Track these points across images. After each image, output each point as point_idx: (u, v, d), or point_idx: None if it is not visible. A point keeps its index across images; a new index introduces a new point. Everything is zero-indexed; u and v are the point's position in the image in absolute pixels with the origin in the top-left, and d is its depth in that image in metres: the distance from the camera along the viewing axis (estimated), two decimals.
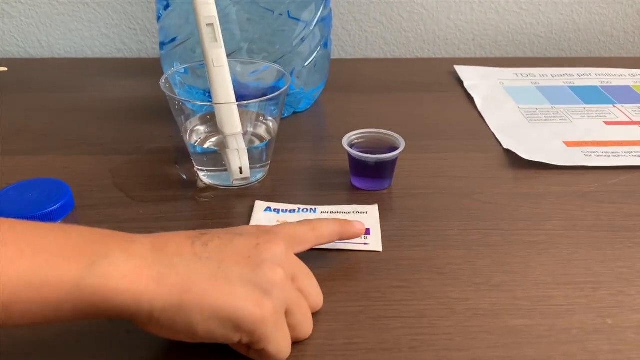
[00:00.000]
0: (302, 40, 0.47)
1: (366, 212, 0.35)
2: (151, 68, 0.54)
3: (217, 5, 0.37)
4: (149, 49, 0.62)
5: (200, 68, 0.41)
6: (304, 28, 0.47)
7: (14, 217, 0.32)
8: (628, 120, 0.47)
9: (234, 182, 0.38)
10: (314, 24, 0.47)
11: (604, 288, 0.30)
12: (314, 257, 0.32)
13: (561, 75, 0.55)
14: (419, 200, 0.37)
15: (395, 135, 0.38)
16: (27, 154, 0.41)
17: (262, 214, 0.35)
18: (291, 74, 0.47)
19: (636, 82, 0.54)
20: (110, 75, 0.55)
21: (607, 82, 0.54)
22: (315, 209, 0.36)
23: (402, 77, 0.56)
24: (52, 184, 0.36)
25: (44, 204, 0.34)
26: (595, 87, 0.53)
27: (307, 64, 0.47)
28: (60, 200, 0.34)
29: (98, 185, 0.37)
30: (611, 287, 0.30)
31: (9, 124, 0.46)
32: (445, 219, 0.35)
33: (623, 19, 0.64)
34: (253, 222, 0.35)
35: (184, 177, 0.39)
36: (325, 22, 0.49)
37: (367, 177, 0.38)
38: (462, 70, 0.56)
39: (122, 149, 0.42)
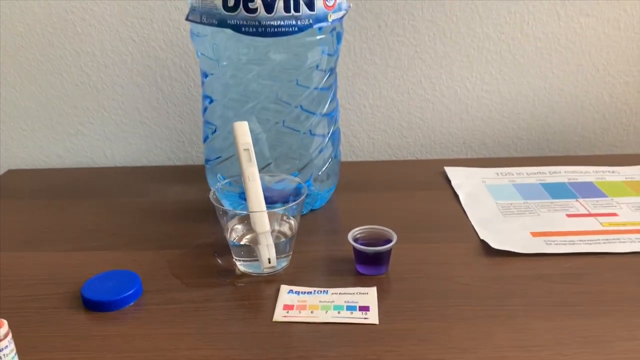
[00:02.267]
0: (320, 151, 0.59)
1: (367, 293, 0.45)
2: (196, 175, 0.67)
3: (251, 132, 0.49)
4: (194, 157, 0.75)
5: (237, 179, 0.53)
6: (320, 142, 0.59)
7: (99, 301, 0.44)
8: (587, 212, 0.57)
9: (264, 270, 0.48)
10: (327, 138, 0.59)
11: (546, 350, 0.38)
12: (323, 330, 0.41)
13: (535, 173, 0.66)
14: (409, 283, 0.47)
15: (390, 230, 0.49)
16: (102, 250, 0.53)
17: (286, 295, 0.46)
18: (309, 180, 0.58)
19: (598, 178, 0.64)
20: (162, 181, 0.68)
21: (574, 179, 0.64)
22: (327, 290, 0.46)
23: (402, 177, 0.68)
24: (125, 274, 0.47)
25: (121, 290, 0.45)
26: (563, 183, 0.64)
27: (321, 172, 0.59)
28: (132, 288, 0.45)
29: (160, 274, 0.48)
30: (552, 349, 0.39)
31: (84, 225, 0.58)
32: (430, 298, 0.45)
33: (591, 122, 0.75)
34: (279, 302, 0.45)
35: (220, 262, 0.50)
36: (335, 135, 0.61)
37: (368, 265, 0.48)
38: (451, 171, 0.67)
39: (176, 244, 0.53)
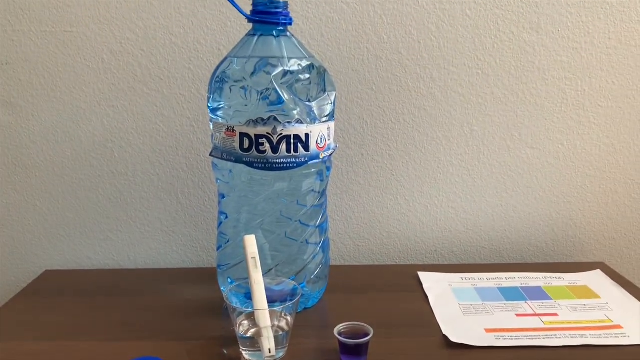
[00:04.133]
0: (313, 257, 0.71)
1: None
2: (207, 277, 0.79)
3: (257, 242, 0.61)
4: (204, 261, 0.87)
5: (244, 282, 0.65)
6: (313, 250, 0.71)
7: None
8: (532, 312, 0.68)
9: (265, 359, 0.59)
10: (319, 246, 0.72)
11: None
12: None
13: (494, 278, 0.78)
14: None
15: (367, 326, 0.60)
16: (131, 340, 0.63)
17: None
18: (303, 282, 0.70)
19: (546, 283, 0.77)
20: (177, 282, 0.79)
21: (525, 284, 0.77)
22: None
23: (382, 279, 0.80)
24: None
25: None
26: (516, 287, 0.76)
27: (313, 276, 0.71)
28: None
29: None
30: None
31: (114, 319, 0.68)
32: None
33: (542, 235, 0.88)
34: None
35: (225, 352, 0.61)
36: (325, 243, 0.74)
37: (349, 355, 0.59)
38: (423, 275, 0.79)
39: (193, 335, 0.64)
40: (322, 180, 0.71)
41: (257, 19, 0.64)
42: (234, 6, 0.64)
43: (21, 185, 0.85)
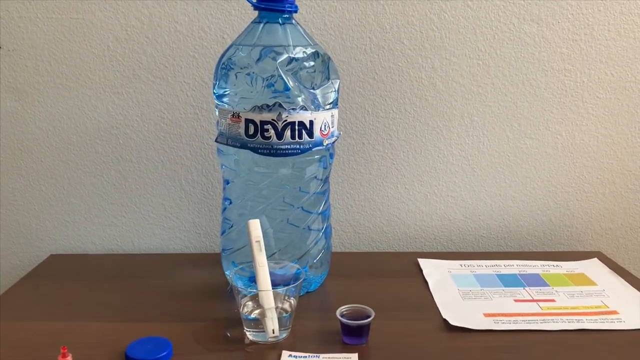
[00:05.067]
0: (315, 243, 0.72)
1: (350, 358, 0.57)
2: (210, 261, 0.80)
3: (261, 227, 0.63)
4: (207, 246, 0.88)
5: (247, 265, 0.66)
6: (316, 236, 0.72)
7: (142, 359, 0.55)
8: (531, 298, 0.70)
9: (269, 339, 0.60)
10: (321, 232, 0.73)
11: None
12: None
13: (492, 266, 0.80)
14: (384, 351, 0.59)
15: (369, 308, 0.61)
16: (137, 321, 0.64)
17: (287, 358, 0.57)
18: (305, 267, 0.71)
19: (544, 271, 0.78)
20: (181, 267, 0.80)
21: (523, 271, 0.78)
22: (319, 355, 0.58)
23: (382, 266, 0.81)
24: (160, 340, 0.59)
25: (157, 352, 0.56)
26: (515, 274, 0.77)
27: (315, 260, 0.72)
28: (165, 350, 0.57)
29: (186, 341, 0.60)
30: None
31: (119, 302, 0.70)
32: None
33: (540, 224, 0.90)
34: None
35: (229, 335, 0.62)
36: (327, 230, 0.75)
37: (351, 336, 0.60)
38: (423, 262, 0.80)
39: (197, 317, 0.65)
40: (325, 168, 0.72)
41: (263, 6, 0.65)
42: None
43: (27, 170, 0.86)
